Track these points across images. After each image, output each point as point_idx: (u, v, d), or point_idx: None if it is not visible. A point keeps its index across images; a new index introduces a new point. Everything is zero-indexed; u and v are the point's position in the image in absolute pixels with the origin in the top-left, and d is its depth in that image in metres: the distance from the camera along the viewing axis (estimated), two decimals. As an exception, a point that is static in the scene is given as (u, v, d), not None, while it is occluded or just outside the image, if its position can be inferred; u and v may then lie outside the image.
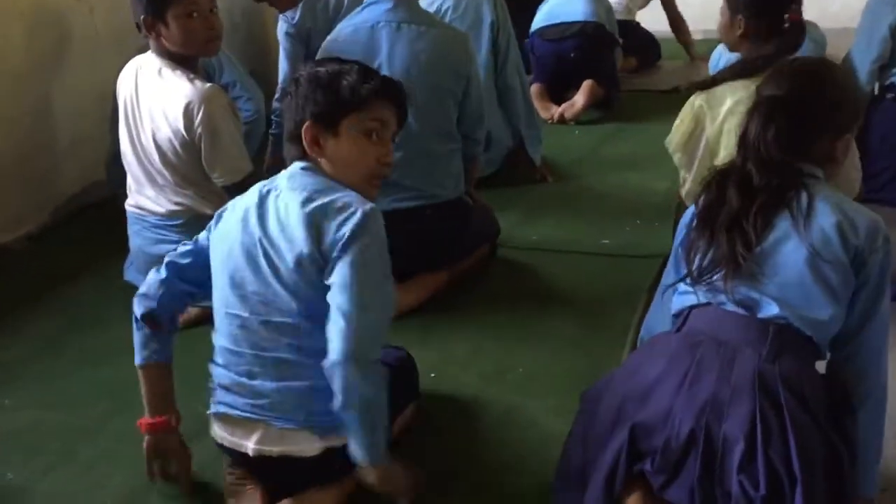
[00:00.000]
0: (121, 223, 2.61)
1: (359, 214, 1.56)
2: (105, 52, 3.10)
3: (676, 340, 1.56)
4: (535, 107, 4.06)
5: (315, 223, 1.57)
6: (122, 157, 2.52)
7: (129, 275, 2.59)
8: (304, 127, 1.64)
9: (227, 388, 1.67)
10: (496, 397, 2.11)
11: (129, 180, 2.53)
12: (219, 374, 1.69)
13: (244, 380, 1.64)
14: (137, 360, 1.76)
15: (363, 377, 1.51)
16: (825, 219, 1.51)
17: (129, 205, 2.55)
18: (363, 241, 1.55)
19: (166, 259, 1.76)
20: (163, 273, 1.74)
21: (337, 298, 1.53)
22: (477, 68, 2.66)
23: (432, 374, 2.17)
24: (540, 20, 4.24)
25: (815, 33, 2.92)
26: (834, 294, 1.49)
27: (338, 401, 1.52)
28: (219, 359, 1.70)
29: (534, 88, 4.22)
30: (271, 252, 1.60)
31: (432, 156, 2.53)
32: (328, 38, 2.59)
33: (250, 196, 1.68)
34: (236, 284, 1.64)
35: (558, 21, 4.14)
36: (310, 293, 1.57)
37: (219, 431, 1.70)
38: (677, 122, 2.34)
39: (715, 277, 1.55)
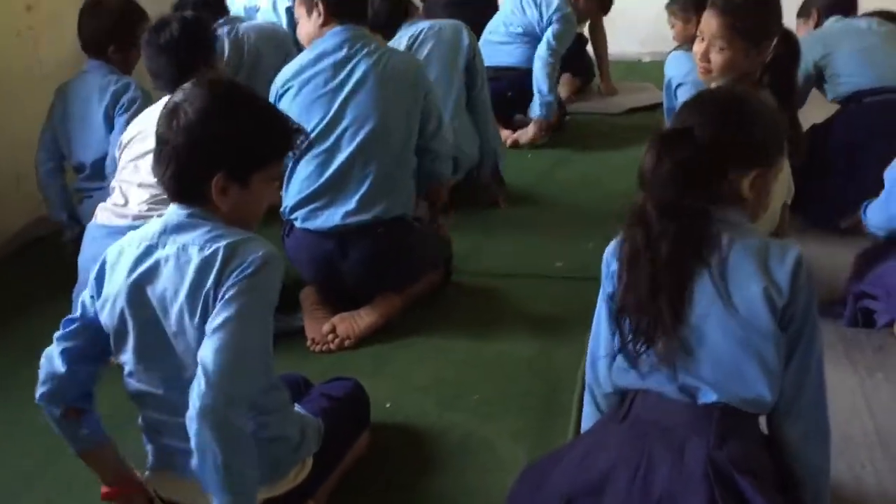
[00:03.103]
0: (67, 256, 2.55)
1: (250, 262, 1.46)
2: (48, 85, 3.05)
3: (623, 431, 1.48)
4: None
5: (219, 269, 1.46)
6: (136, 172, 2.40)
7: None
8: (216, 179, 1.51)
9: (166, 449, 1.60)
10: (453, 424, 2.09)
11: (118, 195, 2.44)
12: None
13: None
14: (73, 450, 1.64)
15: (218, 439, 1.38)
16: (751, 286, 1.38)
17: (100, 222, 2.46)
18: (249, 291, 1.45)
19: (57, 348, 1.58)
20: (60, 367, 1.56)
21: (205, 351, 1.42)
22: (433, 89, 2.68)
23: (388, 405, 2.15)
24: (493, 59, 4.26)
25: None
26: (770, 369, 1.39)
27: (193, 458, 1.42)
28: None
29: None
30: (173, 311, 1.49)
31: (388, 172, 2.54)
32: (286, 68, 2.62)
33: (129, 250, 1.54)
34: (140, 356, 1.54)
35: (495, 64, 4.19)
36: None
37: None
38: None
39: (645, 352, 1.44)
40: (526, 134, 4.19)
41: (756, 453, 1.43)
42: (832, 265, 2.64)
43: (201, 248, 1.48)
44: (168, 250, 1.50)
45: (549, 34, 4.15)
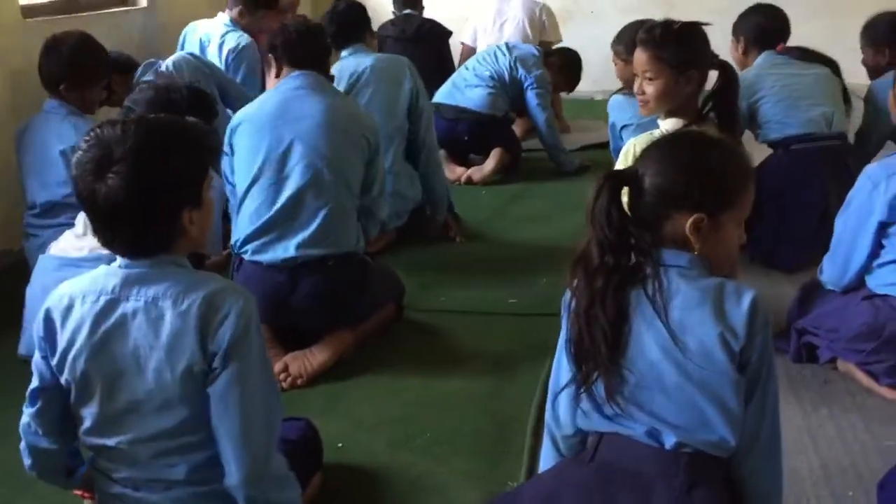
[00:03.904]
0: (8, 301, 2.48)
1: (234, 315, 1.44)
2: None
3: (589, 475, 1.46)
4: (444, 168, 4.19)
5: (198, 325, 1.43)
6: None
7: (22, 348, 2.48)
8: (185, 217, 1.46)
9: None
10: (405, 464, 2.08)
11: (80, 225, 2.40)
12: None
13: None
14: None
15: (264, 492, 1.49)
16: (706, 330, 1.37)
17: (54, 252, 2.43)
18: (244, 346, 1.44)
19: (35, 424, 1.54)
20: (47, 444, 1.55)
21: (223, 419, 1.45)
22: (381, 151, 2.69)
23: (339, 445, 2.13)
24: (440, 96, 4.38)
25: None
26: (731, 412, 1.39)
27: None
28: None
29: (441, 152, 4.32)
30: (150, 368, 1.45)
31: (340, 207, 2.55)
32: (245, 108, 2.69)
33: (82, 305, 1.47)
34: (107, 412, 1.48)
35: (455, 103, 4.29)
36: (197, 399, 1.47)
37: None
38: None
39: (587, 393, 1.44)
40: (480, 171, 4.23)
41: (722, 499, 1.43)
42: (777, 300, 2.70)
43: (175, 302, 1.44)
44: (134, 304, 1.45)
45: (534, 107, 4.29)
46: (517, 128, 4.72)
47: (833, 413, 2.24)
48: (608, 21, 4.98)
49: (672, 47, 2.19)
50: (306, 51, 2.64)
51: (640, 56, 2.24)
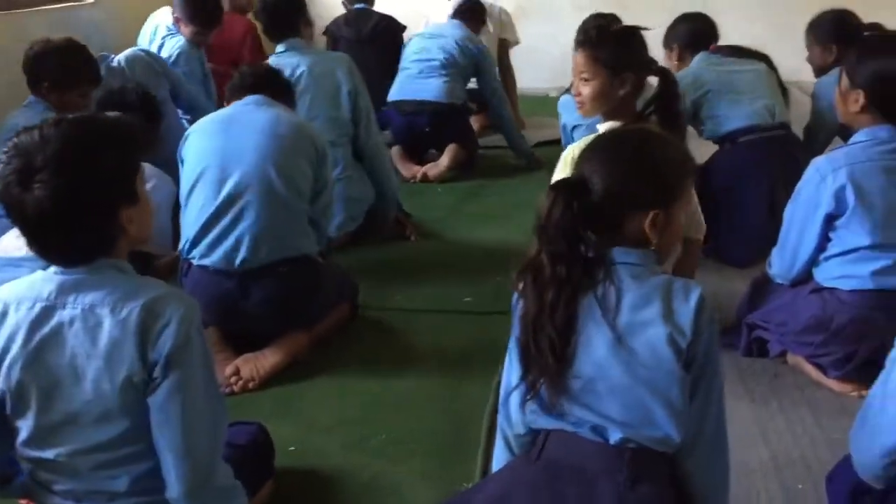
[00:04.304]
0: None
1: (175, 323, 1.40)
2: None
3: (537, 473, 1.47)
4: (398, 166, 4.18)
5: (138, 333, 1.39)
6: None
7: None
8: (123, 216, 1.42)
9: None
10: (359, 466, 2.06)
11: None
12: None
13: None
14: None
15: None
16: (654, 330, 1.38)
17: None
18: (185, 355, 1.41)
19: None
20: None
21: (164, 430, 1.42)
22: (328, 164, 2.68)
23: (292, 448, 2.10)
24: (396, 93, 4.35)
25: None
26: (676, 409, 1.40)
27: None
28: None
29: (395, 150, 4.30)
30: (88, 378, 1.40)
31: (290, 211, 2.51)
32: (200, 121, 2.69)
33: (16, 312, 1.42)
34: (44, 423, 1.43)
35: (412, 97, 4.27)
36: (137, 410, 1.44)
37: None
38: (553, 179, 2.40)
39: (536, 394, 1.44)
40: (435, 167, 4.22)
41: (666, 495, 1.44)
42: (729, 295, 2.73)
43: (113, 310, 1.40)
44: (71, 311, 1.40)
45: (488, 84, 4.35)
46: (475, 123, 4.71)
47: (783, 406, 2.27)
48: (564, 18, 5.02)
49: (608, 49, 2.22)
50: (258, 82, 2.70)
51: (576, 57, 2.27)
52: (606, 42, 2.23)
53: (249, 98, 2.63)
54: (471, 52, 4.32)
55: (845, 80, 2.19)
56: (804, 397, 2.30)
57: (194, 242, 2.50)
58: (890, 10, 5.13)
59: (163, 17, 3.99)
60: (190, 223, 2.51)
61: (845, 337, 2.22)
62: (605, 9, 4.88)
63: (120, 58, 3.53)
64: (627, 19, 4.94)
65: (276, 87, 2.74)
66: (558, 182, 1.47)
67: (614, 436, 1.42)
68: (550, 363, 1.41)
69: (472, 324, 2.77)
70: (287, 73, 3.12)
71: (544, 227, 1.41)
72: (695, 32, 3.42)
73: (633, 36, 2.30)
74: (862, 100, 2.15)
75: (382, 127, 4.21)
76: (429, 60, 4.31)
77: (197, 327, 1.45)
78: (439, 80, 4.27)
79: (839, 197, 2.16)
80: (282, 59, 3.30)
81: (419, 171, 4.22)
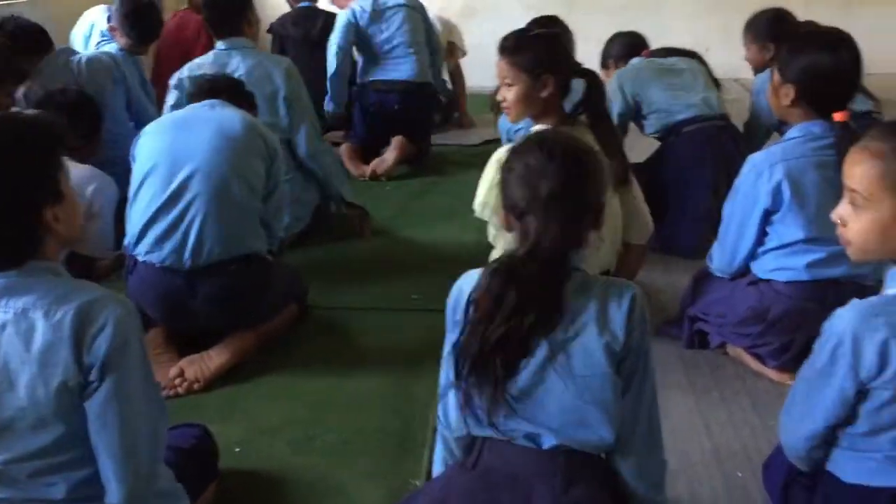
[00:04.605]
0: None
1: (111, 326, 1.38)
2: None
3: (474, 480, 1.48)
4: (347, 166, 4.14)
5: (73, 337, 1.37)
6: None
7: None
8: (48, 215, 1.39)
9: None
10: (306, 466, 2.04)
11: None
12: None
13: None
14: None
15: None
16: (590, 336, 1.41)
17: None
18: (122, 358, 1.39)
19: None
20: None
21: (101, 435, 1.40)
22: (280, 154, 2.65)
23: (237, 449, 2.08)
24: (373, 74, 4.34)
25: None
26: (611, 411, 1.42)
27: None
28: None
29: (344, 149, 4.29)
30: (22, 383, 1.37)
31: (242, 209, 2.49)
32: (153, 122, 2.68)
33: None
34: None
35: (387, 77, 4.30)
36: (74, 415, 1.41)
37: None
38: (483, 181, 2.43)
39: (477, 403, 1.44)
40: (383, 162, 4.21)
41: (600, 496, 1.46)
42: (673, 288, 2.78)
43: (46, 313, 1.37)
44: (3, 316, 1.38)
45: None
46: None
47: (724, 396, 2.32)
48: (513, 17, 5.02)
49: (527, 54, 2.31)
50: (214, 88, 2.70)
51: (499, 64, 2.35)
52: (525, 48, 2.32)
53: (206, 101, 2.61)
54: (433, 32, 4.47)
55: (777, 76, 2.25)
56: (745, 387, 2.35)
57: (140, 237, 2.46)
58: (826, 8, 5.29)
59: (97, 16, 3.91)
60: (136, 218, 2.47)
61: (782, 327, 2.28)
62: (553, 7, 4.94)
63: (82, 57, 3.48)
64: (574, 19, 5.00)
65: (235, 93, 2.71)
66: (496, 268, 1.44)
67: (548, 442, 1.44)
68: (491, 390, 1.41)
69: (420, 322, 2.76)
70: (226, 71, 3.09)
71: (495, 311, 1.40)
72: (628, 44, 3.63)
73: (550, 39, 2.39)
74: (792, 94, 2.21)
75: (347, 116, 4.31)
76: (397, 45, 4.31)
77: (134, 330, 1.43)
78: (409, 60, 4.30)
79: (775, 193, 2.22)
80: (220, 58, 3.26)
81: (367, 169, 4.21)
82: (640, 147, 3.54)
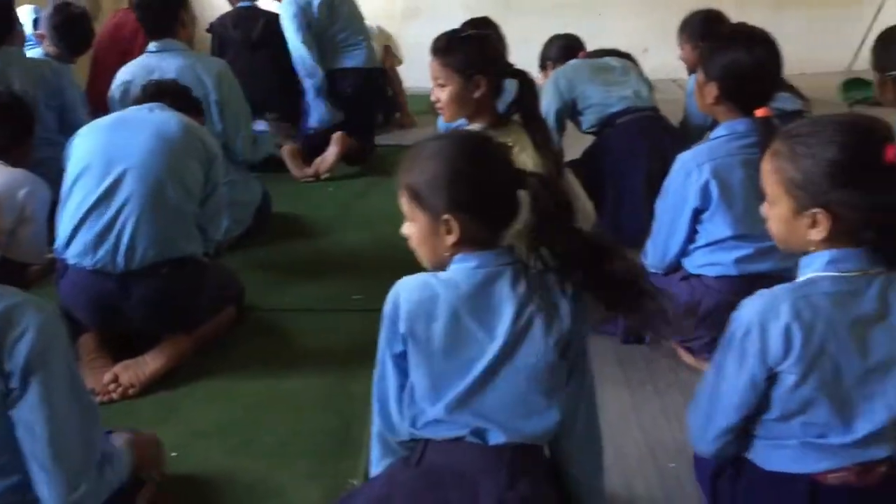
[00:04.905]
0: None
1: (32, 331, 1.37)
2: None
3: (418, 478, 1.48)
4: (289, 167, 4.13)
5: None
6: None
7: None
8: None
9: None
10: (243, 469, 2.03)
11: None
12: None
13: None
14: None
15: None
16: (538, 327, 1.45)
17: None
18: (45, 364, 1.38)
19: None
20: None
21: (28, 444, 1.38)
22: (219, 157, 2.64)
23: (173, 454, 2.05)
24: (325, 63, 4.31)
25: None
26: (557, 399, 1.47)
27: None
28: None
29: (286, 150, 4.27)
30: None
31: (177, 212, 2.46)
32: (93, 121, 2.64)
33: None
34: None
35: (341, 66, 4.32)
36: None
37: None
38: None
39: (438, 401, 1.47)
40: (324, 161, 4.19)
41: (545, 489, 1.49)
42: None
43: None
44: None
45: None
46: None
47: (658, 389, 2.37)
48: (453, 17, 5.04)
49: (457, 55, 2.34)
50: (163, 92, 2.69)
51: (432, 66, 2.39)
52: (456, 49, 2.35)
53: (146, 104, 2.59)
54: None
55: (701, 73, 2.31)
56: (678, 380, 2.41)
57: (70, 240, 2.41)
58: (759, 9, 5.43)
59: (23, 18, 3.80)
60: (66, 220, 2.42)
61: (712, 321, 2.32)
62: (492, 8, 4.98)
63: (24, 57, 3.43)
64: (512, 20, 5.06)
65: (179, 98, 2.69)
66: None
67: (494, 438, 1.46)
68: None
69: (361, 322, 2.75)
70: (154, 76, 3.03)
71: None
72: (564, 47, 3.73)
73: (480, 40, 2.43)
74: (715, 92, 2.27)
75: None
76: (346, 38, 4.35)
77: (57, 335, 1.41)
78: (358, 49, 4.35)
79: (703, 192, 2.27)
80: (151, 60, 3.21)
81: (310, 170, 4.19)
82: (580, 146, 3.59)
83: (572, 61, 3.57)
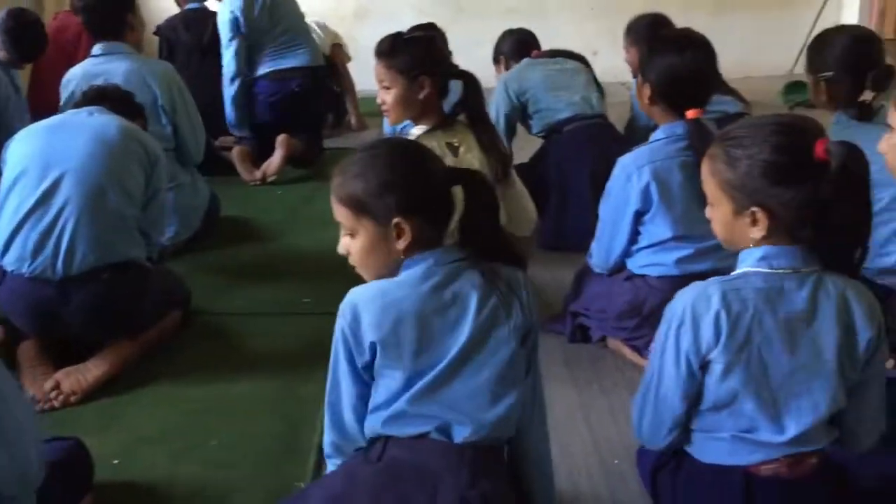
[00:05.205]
0: None
1: None
2: None
3: (378, 473, 1.49)
4: (239, 170, 4.12)
5: None
6: None
7: None
8: None
9: None
10: (187, 475, 2.01)
11: None
12: None
13: None
14: None
15: None
16: (501, 321, 1.50)
17: None
18: None
19: None
20: None
21: None
22: (162, 161, 2.60)
23: (116, 461, 2.03)
24: (268, 66, 4.27)
25: None
26: (518, 388, 1.51)
27: None
28: None
29: (236, 152, 4.23)
30: None
31: (118, 216, 2.43)
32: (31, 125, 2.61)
33: None
34: None
35: (286, 66, 4.27)
36: None
37: None
38: None
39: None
40: (271, 164, 4.17)
41: (506, 489, 1.51)
42: (556, 284, 2.85)
43: None
44: None
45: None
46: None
47: (604, 387, 2.39)
48: (403, 19, 5.06)
49: (402, 57, 2.36)
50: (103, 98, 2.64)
51: (376, 69, 2.40)
52: (399, 51, 2.37)
53: (85, 108, 2.55)
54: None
55: (640, 76, 2.36)
56: (624, 379, 2.44)
57: (7, 247, 2.37)
58: (702, 14, 5.54)
59: None
60: (3, 226, 2.38)
61: (656, 319, 2.32)
62: (442, 11, 5.01)
63: None
64: (463, 22, 5.08)
65: (120, 102, 2.65)
66: None
67: (459, 434, 1.48)
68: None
69: (309, 325, 2.75)
70: (99, 80, 2.98)
71: None
72: (519, 42, 3.72)
73: (428, 42, 2.45)
74: (649, 92, 2.32)
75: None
76: (288, 43, 4.31)
77: None
78: (302, 49, 4.32)
79: (644, 194, 2.31)
80: (97, 64, 3.16)
81: (258, 173, 4.16)
82: (532, 147, 3.61)
83: (525, 61, 3.58)
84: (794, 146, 1.47)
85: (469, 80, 2.43)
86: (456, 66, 2.50)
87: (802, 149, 1.46)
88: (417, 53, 2.38)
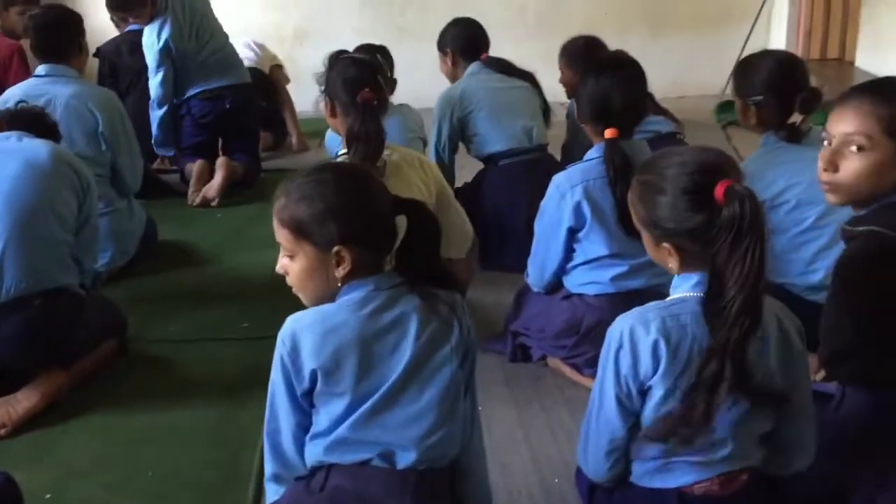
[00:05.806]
0: None
1: None
2: None
3: (321, 502, 1.48)
4: (190, 184, 4.16)
5: None
6: None
7: None
8: None
9: None
10: (122, 508, 1.97)
11: None
12: None
13: None
14: None
15: None
16: (443, 342, 1.52)
17: None
18: None
19: None
20: None
21: None
22: (94, 189, 2.57)
23: (48, 496, 1.98)
24: (196, 86, 4.23)
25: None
26: (455, 406, 1.53)
27: None
28: None
29: (198, 165, 4.20)
30: None
31: (49, 242, 2.38)
32: None
33: None
34: None
35: (216, 85, 4.23)
36: None
37: None
38: None
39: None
40: (211, 187, 4.12)
41: None
42: (498, 305, 2.88)
43: None
44: None
45: None
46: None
47: (544, 406, 2.41)
48: (343, 41, 5.07)
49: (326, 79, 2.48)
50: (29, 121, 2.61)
51: None
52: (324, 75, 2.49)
53: (10, 132, 2.49)
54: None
55: (575, 97, 2.42)
56: (563, 397, 2.46)
57: None
58: (639, 37, 5.67)
59: None
60: None
61: (594, 337, 2.38)
62: (385, 33, 5.02)
63: None
64: (405, 44, 5.09)
65: (38, 124, 2.59)
66: None
67: (402, 460, 1.48)
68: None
69: (249, 350, 2.72)
70: (41, 101, 2.93)
71: None
72: (467, 37, 3.50)
73: (333, 64, 2.55)
74: (580, 112, 2.40)
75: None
76: (220, 57, 4.29)
77: None
78: (233, 64, 4.33)
79: (577, 212, 2.35)
80: (39, 86, 3.11)
81: (198, 196, 4.11)
82: (471, 167, 3.61)
83: (473, 67, 3.42)
84: (694, 189, 1.46)
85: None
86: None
87: (703, 191, 1.44)
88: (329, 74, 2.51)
